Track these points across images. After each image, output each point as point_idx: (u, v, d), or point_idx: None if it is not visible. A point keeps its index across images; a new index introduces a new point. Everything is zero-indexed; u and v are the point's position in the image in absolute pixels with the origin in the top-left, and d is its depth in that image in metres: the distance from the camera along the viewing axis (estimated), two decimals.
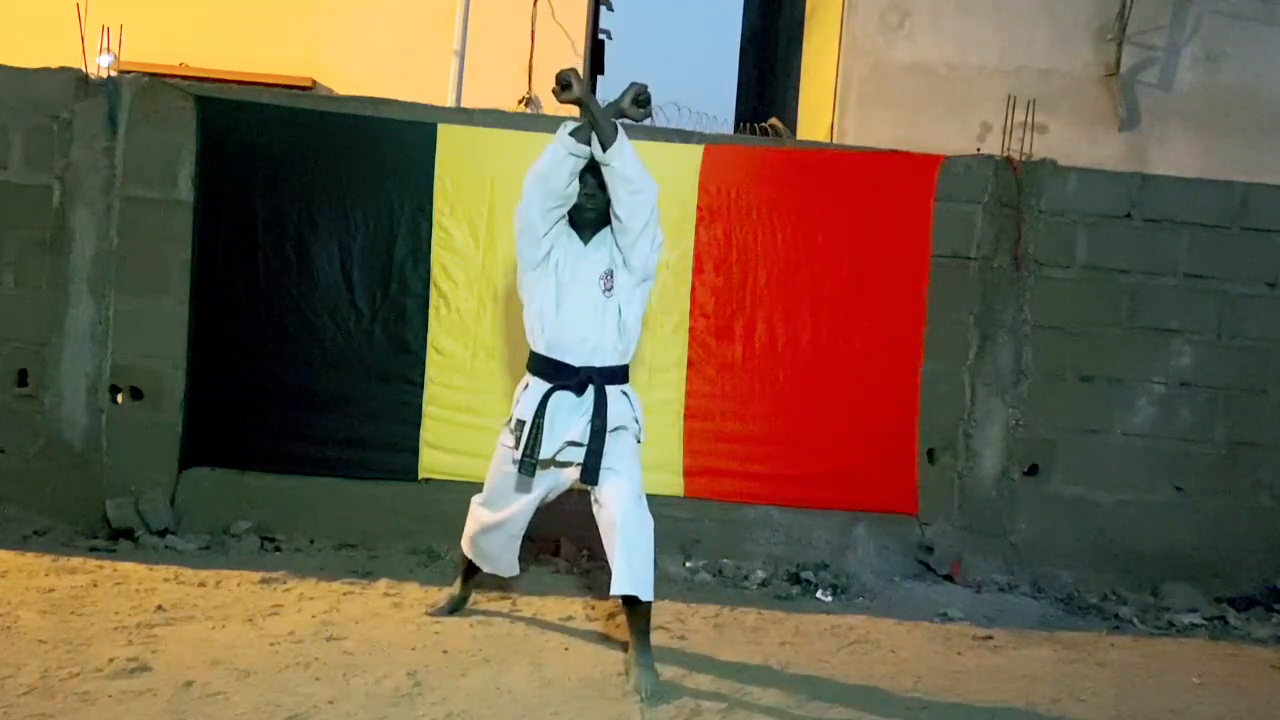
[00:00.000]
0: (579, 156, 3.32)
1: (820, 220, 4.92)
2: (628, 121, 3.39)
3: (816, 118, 7.66)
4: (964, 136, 6.62)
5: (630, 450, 3.48)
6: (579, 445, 3.40)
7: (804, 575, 4.82)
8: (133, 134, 4.81)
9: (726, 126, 7.79)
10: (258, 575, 4.24)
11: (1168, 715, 3.53)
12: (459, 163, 4.81)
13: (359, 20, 6.92)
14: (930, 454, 5.01)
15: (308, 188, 4.80)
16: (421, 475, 4.83)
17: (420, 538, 4.79)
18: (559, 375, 3.42)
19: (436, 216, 4.83)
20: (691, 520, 4.91)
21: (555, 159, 3.33)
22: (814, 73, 8.06)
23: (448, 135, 4.82)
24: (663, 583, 4.24)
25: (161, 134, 4.80)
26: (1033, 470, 5.05)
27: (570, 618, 4.03)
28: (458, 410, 4.82)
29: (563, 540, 4.84)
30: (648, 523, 3.36)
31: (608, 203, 3.39)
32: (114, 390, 4.83)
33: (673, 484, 4.87)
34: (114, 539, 4.60)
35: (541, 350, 3.46)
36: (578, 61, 6.99)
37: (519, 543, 3.73)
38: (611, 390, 3.43)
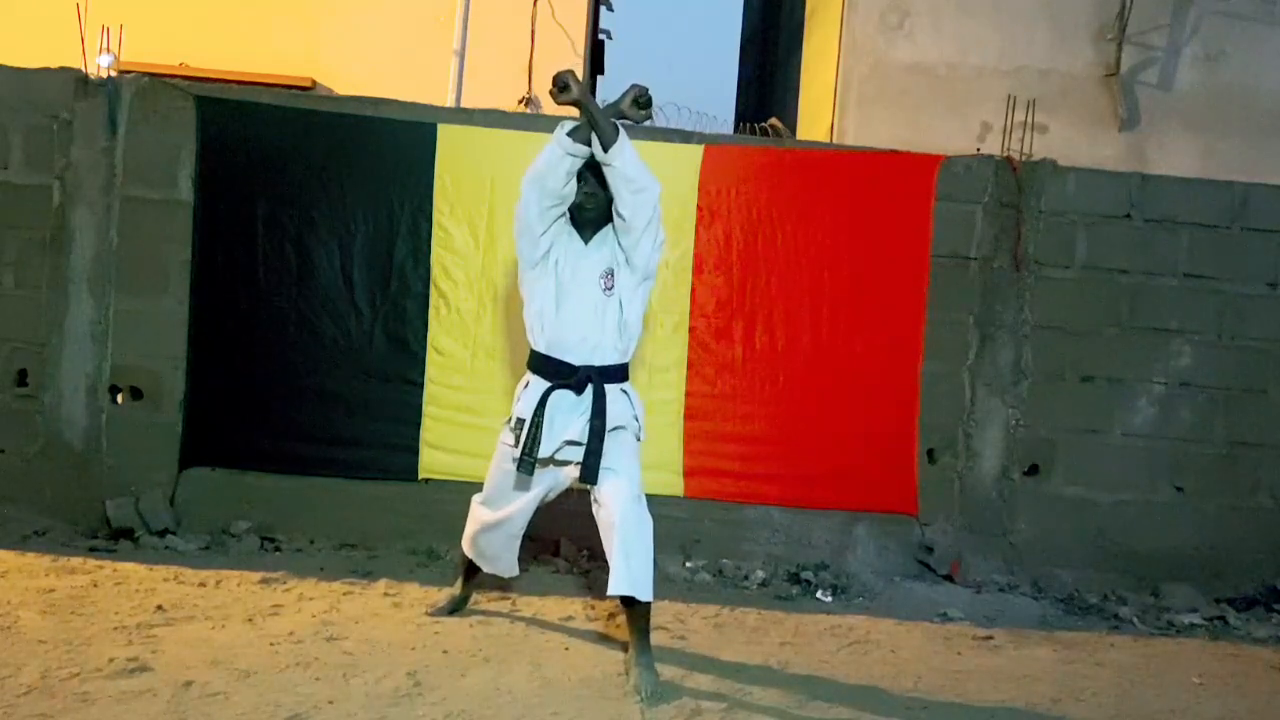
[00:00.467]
0: (576, 156, 3.32)
1: (820, 220, 4.92)
2: (627, 123, 3.39)
3: (816, 118, 7.66)
4: (964, 136, 6.63)
5: (630, 449, 3.48)
6: (578, 444, 3.40)
7: (804, 575, 4.82)
8: (133, 134, 4.80)
9: (726, 126, 7.78)
10: (258, 575, 4.24)
11: (1168, 715, 3.53)
12: (459, 163, 4.81)
13: (359, 20, 6.92)
14: (930, 454, 5.01)
15: (308, 188, 4.80)
16: (421, 475, 4.83)
17: (420, 538, 4.79)
18: (559, 374, 3.42)
19: (436, 216, 4.83)
20: (691, 520, 4.91)
21: (552, 159, 3.33)
22: (814, 73, 8.07)
23: (448, 135, 4.82)
24: (663, 583, 4.25)
25: (161, 134, 4.80)
26: (1033, 470, 5.05)
27: (570, 618, 4.03)
28: (458, 410, 4.82)
29: (563, 540, 4.84)
30: (647, 523, 3.36)
31: (608, 202, 3.39)
32: (114, 390, 4.83)
33: (673, 484, 4.87)
34: (114, 539, 4.60)
35: (541, 349, 3.46)
36: (578, 61, 6.99)
37: (519, 542, 3.73)
38: (611, 389, 3.43)
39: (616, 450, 3.42)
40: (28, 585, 3.91)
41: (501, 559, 3.77)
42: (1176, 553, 5.03)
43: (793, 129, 7.79)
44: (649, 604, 3.37)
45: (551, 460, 3.46)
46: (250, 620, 3.71)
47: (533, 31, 6.89)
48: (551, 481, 3.57)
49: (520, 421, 3.42)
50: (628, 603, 3.36)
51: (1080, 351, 5.04)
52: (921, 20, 6.91)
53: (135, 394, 4.84)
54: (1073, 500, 5.04)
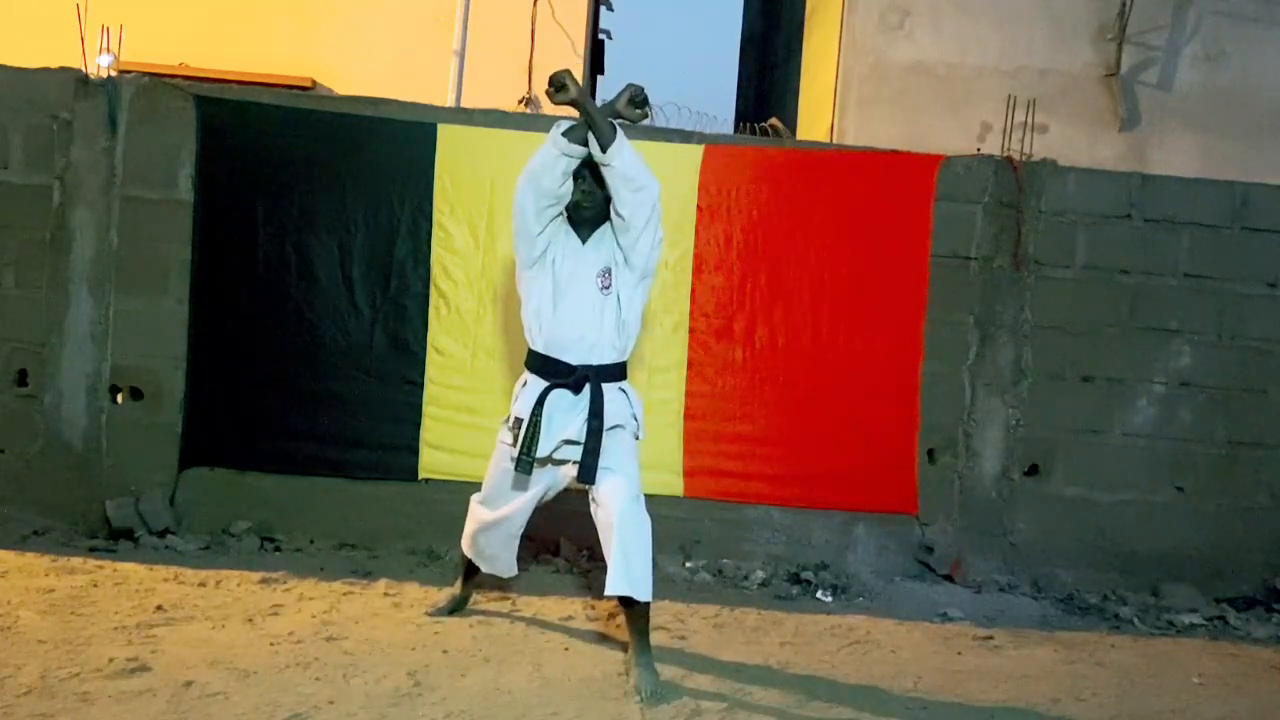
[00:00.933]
0: (571, 157, 3.32)
1: (820, 220, 4.92)
2: (624, 123, 3.38)
3: (816, 118, 7.66)
4: (964, 136, 6.63)
5: (628, 448, 3.48)
6: (576, 444, 3.40)
7: (804, 575, 4.82)
8: (133, 134, 4.80)
9: (726, 126, 7.78)
10: (258, 575, 4.24)
11: (1168, 715, 3.53)
12: (459, 163, 4.81)
13: (359, 20, 6.92)
14: (930, 454, 5.01)
15: (308, 188, 4.80)
16: (421, 475, 4.83)
17: (420, 538, 4.79)
18: (556, 373, 3.42)
19: (436, 216, 4.83)
20: (691, 520, 4.91)
21: (547, 159, 3.32)
22: (814, 73, 8.07)
23: (448, 135, 4.81)
24: (663, 583, 4.25)
25: (161, 134, 4.80)
26: (1033, 470, 5.05)
27: (570, 618, 4.03)
28: (458, 410, 4.82)
29: (563, 540, 4.84)
30: (645, 523, 3.36)
31: (606, 200, 3.39)
32: (114, 390, 4.83)
33: (673, 484, 4.87)
34: (114, 539, 4.60)
35: (539, 348, 3.47)
36: (578, 61, 6.99)
37: (517, 542, 3.73)
38: (609, 388, 3.43)
39: (615, 449, 3.42)
40: (28, 585, 3.91)
41: (500, 559, 3.77)
42: (1176, 553, 5.03)
43: (793, 129, 7.79)
44: (648, 604, 3.37)
45: (550, 459, 3.46)
46: (250, 620, 3.71)
47: (533, 31, 6.89)
48: (550, 481, 3.57)
49: (518, 421, 3.42)
50: (627, 603, 3.36)
51: (1080, 351, 5.04)
52: (921, 20, 6.91)
53: (135, 394, 4.84)
54: (1073, 500, 5.04)
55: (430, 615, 3.91)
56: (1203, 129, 6.89)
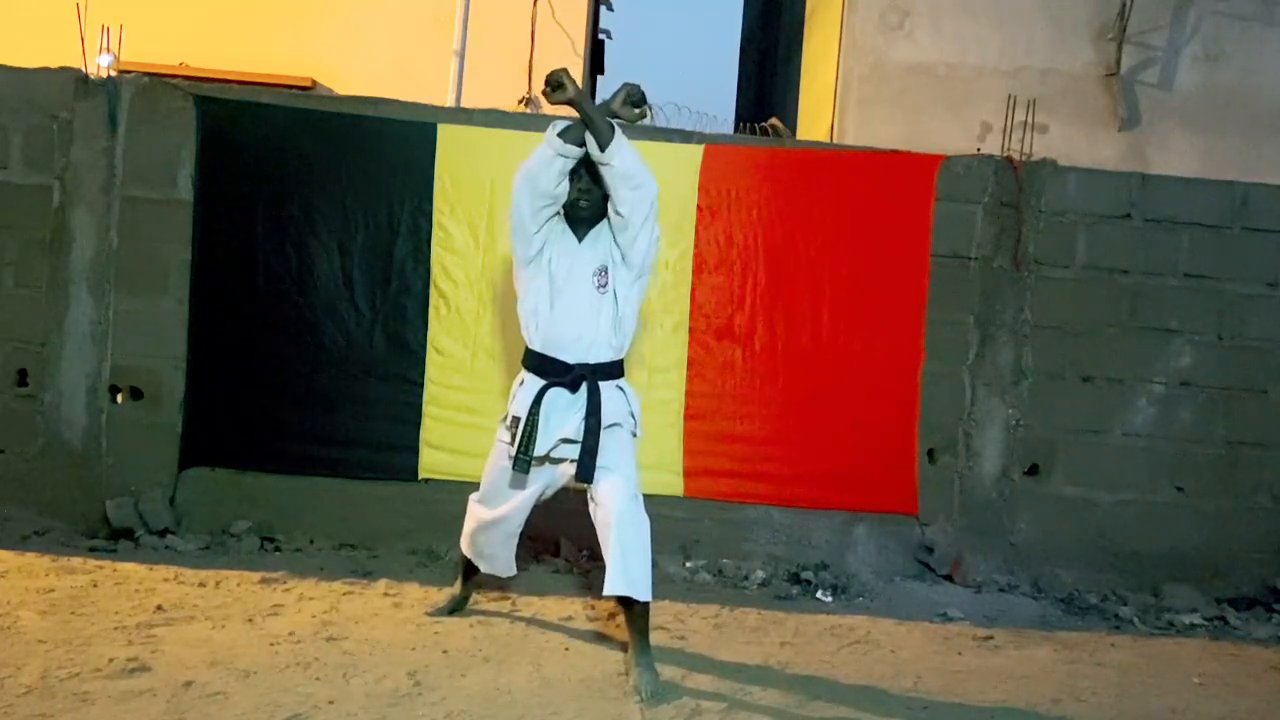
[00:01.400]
0: (567, 157, 3.32)
1: (820, 220, 4.92)
2: (621, 122, 3.38)
3: (816, 118, 7.66)
4: (964, 136, 6.62)
5: (626, 447, 3.48)
6: (574, 442, 3.40)
7: (804, 575, 4.82)
8: (133, 134, 4.80)
9: (726, 126, 7.77)
10: (258, 575, 4.24)
11: (1168, 715, 3.53)
12: (459, 163, 4.81)
13: (359, 20, 6.92)
14: (930, 454, 5.01)
15: (308, 188, 4.80)
16: (421, 475, 4.83)
17: (420, 538, 4.79)
18: (553, 372, 3.42)
19: (436, 216, 4.83)
20: (691, 520, 4.91)
21: (543, 160, 3.32)
22: (814, 73, 8.06)
23: (448, 135, 4.82)
24: (663, 583, 4.25)
25: (161, 134, 4.80)
26: (1033, 470, 5.05)
27: (570, 618, 4.03)
28: (458, 410, 4.82)
29: (563, 540, 4.84)
30: (644, 522, 3.36)
31: (603, 199, 3.39)
32: (114, 390, 4.83)
33: (673, 484, 4.87)
34: (114, 539, 4.60)
35: (536, 347, 3.47)
36: (578, 61, 6.99)
37: (516, 541, 3.73)
38: (606, 386, 3.43)
39: (613, 448, 3.42)
40: (28, 585, 3.91)
41: (499, 558, 3.77)
42: (1176, 553, 5.03)
43: (793, 129, 7.79)
44: (647, 604, 3.37)
45: (547, 458, 3.46)
46: (250, 620, 3.71)
47: (533, 31, 6.89)
48: (548, 479, 3.57)
49: (515, 419, 3.43)
50: (626, 603, 3.36)
51: (1080, 351, 5.04)
52: (921, 20, 6.91)
53: (135, 394, 4.84)
54: (1073, 500, 5.04)
55: (430, 615, 3.91)
56: (1203, 129, 6.88)
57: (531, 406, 3.39)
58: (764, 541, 4.96)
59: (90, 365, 4.83)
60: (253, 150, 4.80)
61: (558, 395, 3.41)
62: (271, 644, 3.47)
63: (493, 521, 3.67)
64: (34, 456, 4.81)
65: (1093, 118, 6.87)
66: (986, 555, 5.00)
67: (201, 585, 4.10)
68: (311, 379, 4.81)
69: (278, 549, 4.68)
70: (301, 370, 4.81)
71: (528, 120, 5.19)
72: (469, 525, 3.76)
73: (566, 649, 3.68)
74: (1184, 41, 6.91)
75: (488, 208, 4.82)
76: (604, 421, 3.39)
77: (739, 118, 11.95)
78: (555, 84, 3.29)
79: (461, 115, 5.10)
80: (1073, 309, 5.03)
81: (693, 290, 4.91)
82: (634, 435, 3.53)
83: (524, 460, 3.39)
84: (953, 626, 4.38)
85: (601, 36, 9.48)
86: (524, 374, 3.52)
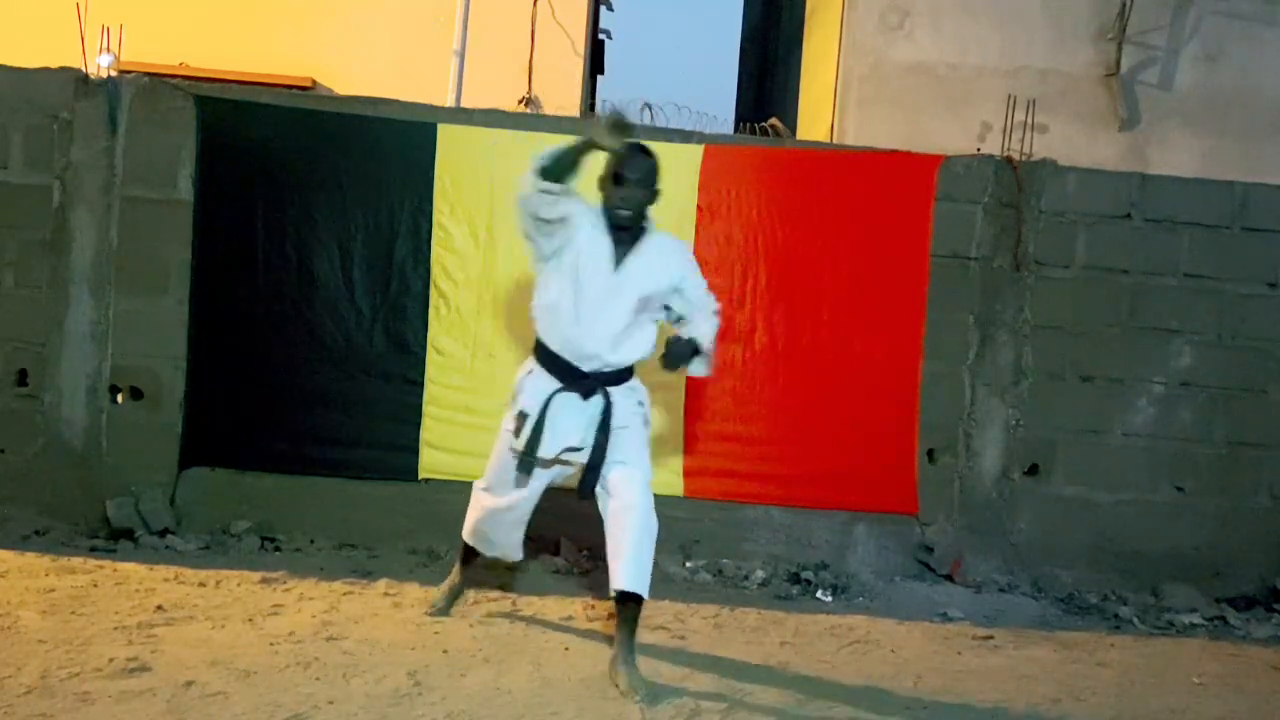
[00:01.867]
0: (555, 194, 3.20)
1: (820, 220, 4.91)
2: (609, 148, 3.16)
3: (816, 118, 7.65)
4: (964, 136, 6.61)
5: (638, 439, 3.42)
6: (579, 449, 3.38)
7: (804, 575, 4.82)
8: (133, 134, 4.80)
9: (726, 126, 7.77)
10: (258, 575, 4.24)
11: (1168, 715, 3.53)
12: (459, 163, 4.81)
13: (359, 20, 6.91)
14: (930, 454, 5.01)
15: (308, 188, 4.80)
16: (421, 475, 4.83)
17: (420, 538, 4.78)
18: (568, 377, 3.36)
19: (436, 216, 4.83)
20: (691, 520, 4.91)
21: (535, 204, 3.22)
22: (814, 73, 8.06)
23: (448, 135, 4.82)
24: (663, 583, 4.25)
25: (161, 134, 4.80)
26: (1033, 470, 5.05)
27: (570, 618, 4.03)
28: (458, 410, 4.82)
29: (563, 540, 4.83)
30: (655, 518, 3.34)
31: (645, 203, 3.30)
32: (114, 390, 4.83)
33: (673, 484, 4.86)
34: (114, 539, 4.59)
35: (553, 347, 3.38)
36: (578, 61, 6.99)
37: (524, 528, 3.67)
38: (617, 391, 3.39)
39: (625, 443, 3.37)
40: (28, 585, 3.91)
41: (507, 544, 3.70)
42: (1176, 553, 5.03)
43: (793, 129, 7.78)
44: (643, 602, 3.35)
45: (555, 460, 3.44)
46: (250, 620, 3.71)
47: (533, 31, 6.88)
48: (557, 471, 3.51)
49: (523, 416, 3.38)
50: (625, 598, 3.34)
51: (1080, 351, 5.04)
52: (921, 20, 6.90)
53: (135, 394, 4.84)
54: (1073, 500, 5.04)
55: (431, 615, 3.89)
56: (1203, 129, 6.88)
57: (541, 408, 3.36)
58: (764, 541, 4.96)
59: (90, 365, 4.82)
60: (253, 150, 4.80)
61: (568, 399, 3.37)
62: (271, 644, 3.47)
63: (499, 510, 3.59)
64: (34, 456, 4.81)
65: (1093, 118, 6.87)
66: (986, 555, 5.00)
67: (201, 585, 4.09)
68: (311, 379, 4.81)
69: (278, 549, 4.67)
70: (301, 370, 4.81)
71: (528, 120, 5.19)
72: (474, 514, 3.70)
73: (566, 649, 3.67)
74: (1184, 41, 6.91)
75: (488, 208, 4.81)
76: (614, 425, 3.35)
77: (739, 118, 11.93)
78: (618, 125, 3.09)
79: (461, 115, 5.10)
80: (1073, 309, 5.03)
81: None
82: (646, 424, 3.48)
83: (528, 462, 3.36)
84: (953, 626, 4.38)
85: (601, 36, 9.47)
86: (533, 364, 3.43)
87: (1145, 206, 5.05)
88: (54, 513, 4.72)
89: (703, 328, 3.45)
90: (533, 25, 6.89)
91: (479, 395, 4.80)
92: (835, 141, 6.77)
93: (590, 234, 3.32)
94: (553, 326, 3.39)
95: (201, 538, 4.67)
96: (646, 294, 3.35)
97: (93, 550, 4.46)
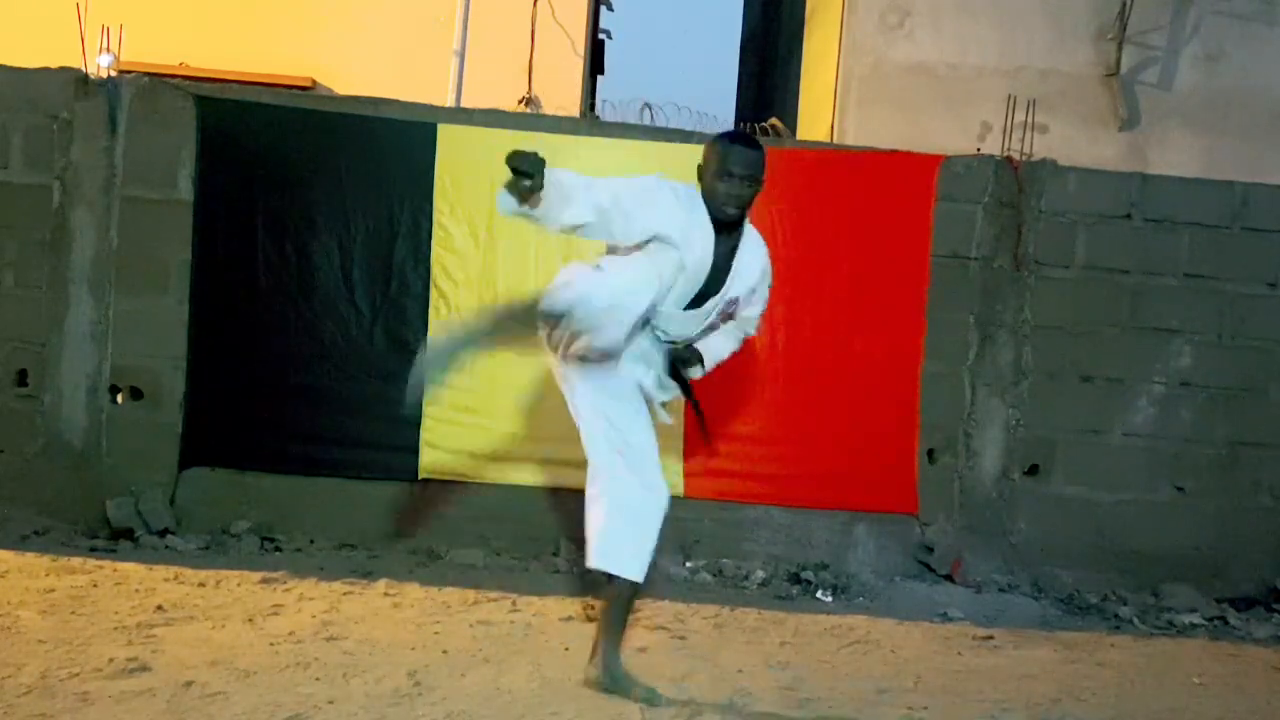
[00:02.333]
0: (535, 218, 2.94)
1: (820, 220, 4.92)
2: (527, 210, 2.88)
3: (816, 118, 7.66)
4: (964, 136, 6.61)
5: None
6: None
7: (804, 575, 4.82)
8: (133, 134, 4.81)
9: (726, 127, 7.77)
10: (258, 575, 4.24)
11: (1168, 715, 3.53)
12: (459, 163, 4.81)
13: (359, 20, 6.91)
14: (930, 454, 5.01)
15: (308, 188, 4.80)
16: (421, 475, 4.83)
17: (420, 538, 4.78)
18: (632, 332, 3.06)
19: (436, 216, 4.83)
20: (691, 520, 4.91)
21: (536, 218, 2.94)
22: (814, 73, 8.06)
23: (448, 135, 4.82)
24: (663, 583, 4.25)
25: (161, 134, 4.80)
26: (1033, 470, 5.05)
27: (570, 618, 4.03)
28: (458, 410, 4.82)
29: (563, 540, 4.83)
30: (640, 494, 3.30)
31: (751, 198, 3.09)
32: (114, 390, 4.83)
33: (673, 484, 4.82)
34: (114, 539, 4.60)
35: (632, 313, 3.01)
36: (578, 61, 6.98)
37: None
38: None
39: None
40: (28, 585, 3.91)
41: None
42: (1176, 553, 5.03)
43: (793, 129, 7.78)
44: (618, 581, 3.22)
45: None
46: (250, 620, 3.71)
47: (533, 31, 6.88)
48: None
49: (602, 354, 3.03)
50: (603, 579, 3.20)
51: (1080, 351, 5.04)
52: (921, 20, 6.90)
53: (135, 394, 4.84)
54: (1073, 500, 5.04)
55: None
56: (1203, 129, 6.88)
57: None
58: (764, 541, 4.96)
59: (90, 365, 4.83)
60: (253, 150, 4.81)
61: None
62: (271, 644, 3.47)
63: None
64: (34, 456, 4.81)
65: (1093, 118, 6.87)
66: (986, 555, 5.00)
67: (201, 585, 4.09)
68: (311, 379, 4.82)
69: (278, 549, 4.68)
70: (301, 370, 4.81)
71: (528, 120, 5.20)
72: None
73: (566, 649, 3.67)
74: (1184, 41, 6.91)
75: (488, 208, 4.80)
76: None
77: (739, 118, 11.93)
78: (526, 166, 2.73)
79: (461, 115, 5.10)
80: (1073, 309, 5.03)
81: None
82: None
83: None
84: (953, 626, 4.38)
85: (601, 36, 9.46)
86: (607, 274, 3.02)
87: (1145, 206, 5.05)
88: (54, 513, 4.72)
89: (723, 344, 3.35)
90: (533, 25, 6.89)
91: (479, 395, 4.80)
92: (835, 142, 6.76)
93: (699, 256, 3.05)
94: (632, 298, 3.00)
95: (201, 538, 4.67)
96: (734, 297, 3.21)
97: (93, 550, 4.46)
